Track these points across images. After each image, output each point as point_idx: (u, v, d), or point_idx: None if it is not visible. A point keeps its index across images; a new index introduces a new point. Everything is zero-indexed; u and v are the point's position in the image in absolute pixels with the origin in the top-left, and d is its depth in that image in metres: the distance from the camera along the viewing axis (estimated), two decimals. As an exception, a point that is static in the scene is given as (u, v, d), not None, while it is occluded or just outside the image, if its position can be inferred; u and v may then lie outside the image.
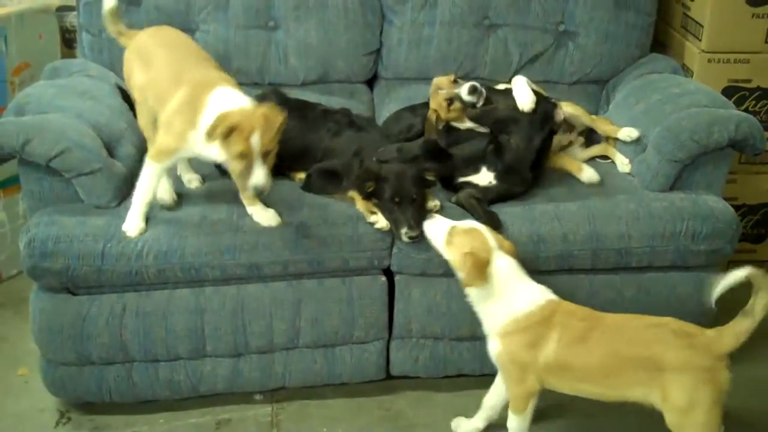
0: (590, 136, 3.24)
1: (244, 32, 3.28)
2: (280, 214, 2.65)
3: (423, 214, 2.63)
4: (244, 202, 2.65)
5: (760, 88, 3.32)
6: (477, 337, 2.62)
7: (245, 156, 2.35)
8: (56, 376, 2.72)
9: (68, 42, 3.72)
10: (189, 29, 3.17)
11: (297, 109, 2.92)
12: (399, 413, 2.84)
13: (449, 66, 3.40)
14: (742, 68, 3.29)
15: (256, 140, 2.33)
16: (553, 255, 2.73)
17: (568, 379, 2.39)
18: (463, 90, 2.84)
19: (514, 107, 2.77)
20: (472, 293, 2.44)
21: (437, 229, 2.50)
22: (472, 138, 2.92)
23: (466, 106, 2.84)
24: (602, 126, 3.17)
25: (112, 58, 3.14)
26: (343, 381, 2.87)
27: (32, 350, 2.76)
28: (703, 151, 2.80)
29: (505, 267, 2.40)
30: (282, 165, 2.84)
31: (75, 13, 3.32)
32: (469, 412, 2.67)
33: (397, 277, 2.77)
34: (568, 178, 3.01)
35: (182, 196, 2.76)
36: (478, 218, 2.66)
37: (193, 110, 2.45)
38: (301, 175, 2.86)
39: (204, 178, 2.88)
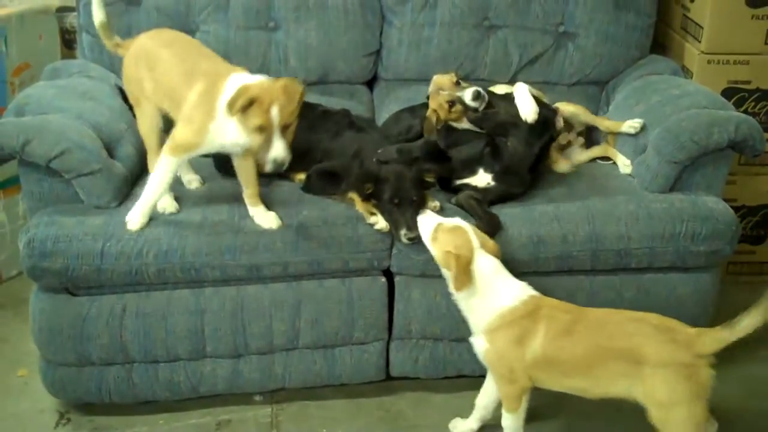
0: (590, 136, 3.24)
1: (244, 33, 3.28)
2: (280, 216, 2.65)
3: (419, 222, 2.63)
4: (247, 202, 2.66)
5: (760, 89, 3.32)
6: (477, 338, 2.63)
7: (264, 129, 2.35)
8: (56, 377, 2.72)
9: (68, 43, 3.73)
10: (189, 30, 3.17)
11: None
12: (399, 414, 2.84)
13: (449, 67, 3.39)
14: (741, 69, 3.28)
15: (275, 113, 2.33)
16: (553, 256, 2.73)
17: (555, 374, 2.40)
18: (467, 95, 2.83)
19: (515, 113, 2.77)
20: (459, 293, 2.45)
21: (425, 224, 2.52)
22: (469, 140, 2.92)
23: (467, 109, 2.84)
24: (604, 122, 3.17)
25: (112, 59, 3.14)
26: (343, 382, 2.87)
27: (32, 351, 2.77)
28: (703, 153, 2.80)
29: (487, 265, 2.42)
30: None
31: (75, 13, 3.32)
32: (469, 413, 2.67)
33: (396, 278, 2.77)
34: (567, 178, 3.01)
35: (183, 196, 2.76)
36: (478, 219, 2.66)
37: (211, 100, 2.45)
38: (301, 176, 2.86)
39: (204, 179, 2.89)
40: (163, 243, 2.58)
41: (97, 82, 3.06)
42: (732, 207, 2.84)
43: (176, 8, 3.23)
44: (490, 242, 2.49)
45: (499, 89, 3.12)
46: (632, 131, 3.03)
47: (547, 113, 2.82)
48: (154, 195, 2.59)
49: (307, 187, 2.81)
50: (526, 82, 2.95)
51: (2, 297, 3.39)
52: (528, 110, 2.76)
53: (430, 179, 2.72)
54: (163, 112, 2.70)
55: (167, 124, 2.77)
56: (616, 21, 3.39)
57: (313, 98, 3.11)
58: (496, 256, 2.46)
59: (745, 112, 3.22)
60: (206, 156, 2.79)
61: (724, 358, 2.92)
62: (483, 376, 2.63)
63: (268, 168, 2.39)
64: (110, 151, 2.76)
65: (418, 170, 2.69)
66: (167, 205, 2.68)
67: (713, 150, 2.80)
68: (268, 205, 2.68)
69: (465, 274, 2.38)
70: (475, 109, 2.83)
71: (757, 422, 2.82)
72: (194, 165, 2.87)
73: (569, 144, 3.15)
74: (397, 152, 2.75)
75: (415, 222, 2.59)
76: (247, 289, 2.69)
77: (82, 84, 3.00)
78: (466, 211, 2.74)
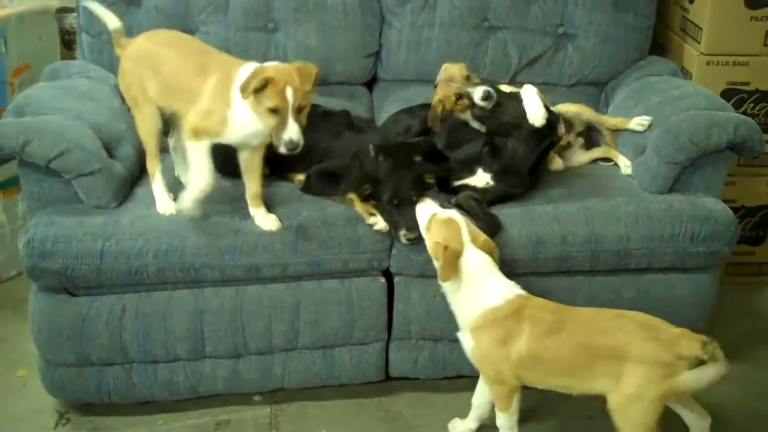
0: (590, 137, 3.24)
1: (243, 34, 3.28)
2: (280, 217, 2.66)
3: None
4: (249, 203, 2.66)
5: (759, 90, 3.32)
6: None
7: (279, 110, 2.35)
8: (55, 377, 2.72)
9: (68, 43, 3.73)
10: (189, 31, 3.18)
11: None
12: (398, 414, 2.84)
13: (448, 68, 3.41)
14: (740, 71, 3.29)
15: (290, 94, 2.34)
16: (552, 256, 2.73)
17: (541, 373, 2.41)
18: (477, 93, 2.83)
19: (520, 114, 2.77)
20: (445, 285, 2.46)
21: (422, 213, 2.54)
22: (468, 140, 2.93)
23: (474, 106, 2.85)
24: (611, 120, 3.17)
25: (112, 60, 3.13)
26: (342, 382, 2.87)
27: (31, 351, 2.77)
28: (702, 154, 2.80)
29: (475, 261, 2.43)
30: (281, 166, 2.86)
31: (75, 14, 3.32)
32: (468, 413, 2.67)
33: (396, 279, 2.78)
34: (566, 179, 3.01)
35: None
36: (477, 220, 2.66)
37: (226, 89, 2.46)
38: (301, 177, 2.86)
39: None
40: (163, 243, 2.59)
41: (96, 83, 3.06)
42: (731, 208, 2.85)
43: (176, 9, 3.23)
44: (483, 238, 2.49)
45: (503, 89, 3.12)
46: (640, 129, 3.02)
47: (551, 117, 2.82)
48: (203, 185, 2.53)
49: (306, 188, 2.82)
50: (526, 83, 2.95)
51: (2, 297, 3.39)
52: (536, 114, 2.76)
53: (429, 180, 2.72)
54: (165, 114, 2.70)
55: (166, 127, 2.78)
56: (616, 22, 3.40)
57: (312, 99, 3.10)
58: (489, 252, 2.47)
59: (744, 113, 3.23)
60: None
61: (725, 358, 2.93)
62: (481, 376, 2.63)
63: (282, 149, 2.38)
64: (110, 152, 2.76)
65: (418, 171, 2.69)
66: (168, 207, 2.68)
67: (712, 151, 2.80)
68: (268, 206, 2.68)
69: (451, 266, 2.39)
70: (482, 108, 2.84)
71: (754, 423, 2.83)
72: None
73: (569, 145, 3.15)
74: (398, 144, 2.75)
75: (415, 222, 2.59)
76: (247, 289, 2.69)
77: (82, 85, 3.00)
78: (466, 211, 2.74)
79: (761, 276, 3.60)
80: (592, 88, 3.50)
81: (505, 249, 2.67)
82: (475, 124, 3.00)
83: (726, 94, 3.28)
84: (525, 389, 2.48)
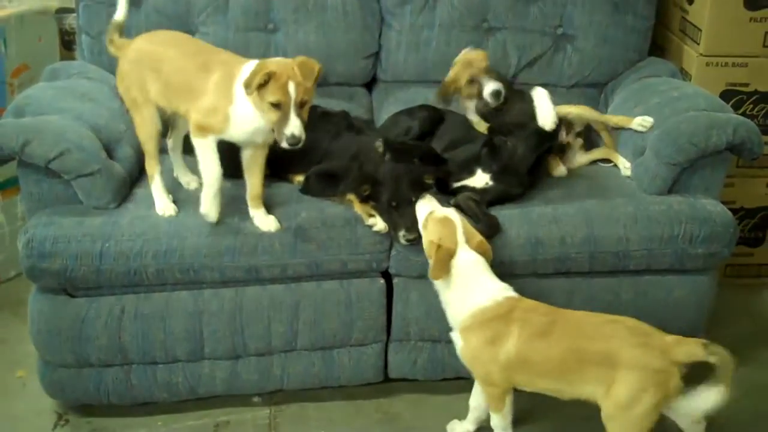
0: (589, 138, 3.24)
1: (243, 34, 3.28)
2: (279, 218, 2.66)
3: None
4: (249, 204, 2.66)
5: (758, 91, 3.33)
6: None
7: (281, 105, 2.36)
8: (54, 378, 2.72)
9: (67, 44, 3.73)
10: (188, 31, 3.17)
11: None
12: (397, 416, 2.84)
13: (448, 69, 3.37)
14: (740, 72, 3.29)
15: (292, 89, 2.35)
16: (551, 257, 2.73)
17: (530, 376, 2.41)
18: (488, 88, 2.88)
19: (524, 114, 2.78)
20: (437, 283, 2.47)
21: (422, 210, 2.55)
22: (466, 141, 2.93)
23: (480, 97, 2.86)
24: (613, 119, 3.16)
25: (111, 61, 3.12)
26: (341, 383, 2.87)
27: (30, 352, 2.77)
28: (702, 155, 2.80)
29: (467, 261, 2.43)
30: (280, 167, 2.86)
31: (74, 15, 3.31)
32: (467, 415, 2.67)
33: (395, 280, 2.78)
34: (565, 180, 3.01)
35: (182, 197, 2.76)
36: (476, 221, 2.66)
37: (228, 86, 2.46)
38: (300, 178, 2.87)
39: (203, 181, 2.89)
40: (162, 244, 2.59)
41: (96, 84, 3.06)
42: (730, 209, 2.85)
43: (176, 10, 3.23)
44: (478, 239, 2.49)
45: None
46: (642, 129, 3.01)
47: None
48: (212, 182, 2.54)
49: (305, 189, 2.82)
50: (525, 84, 2.95)
51: (1, 298, 3.39)
52: (548, 118, 2.76)
53: (428, 181, 2.72)
54: (165, 115, 2.70)
55: (164, 128, 2.78)
56: (615, 23, 3.40)
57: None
58: (484, 253, 2.47)
59: (744, 114, 3.23)
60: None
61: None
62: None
63: (284, 144, 2.39)
64: (109, 152, 2.76)
65: (417, 172, 2.69)
66: (167, 208, 2.68)
67: (711, 152, 2.80)
68: (267, 207, 2.68)
69: (442, 264, 2.39)
70: (486, 104, 2.84)
71: (754, 426, 2.83)
72: (192, 166, 2.86)
73: (568, 146, 3.15)
74: (403, 143, 2.76)
75: (414, 223, 2.59)
76: (246, 290, 2.69)
77: (82, 85, 3.00)
78: (465, 212, 2.74)
79: (760, 277, 3.60)
80: (591, 89, 3.50)
81: (503, 250, 2.67)
82: (473, 117, 3.01)
83: (725, 96, 3.28)
84: (520, 391, 2.48)
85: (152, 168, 2.70)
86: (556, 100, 3.12)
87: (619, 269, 2.80)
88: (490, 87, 2.86)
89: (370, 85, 3.54)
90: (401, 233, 2.61)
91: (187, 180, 2.86)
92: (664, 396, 2.27)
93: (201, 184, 2.83)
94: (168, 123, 2.77)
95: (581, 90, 3.48)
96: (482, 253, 2.47)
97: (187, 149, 2.74)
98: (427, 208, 2.55)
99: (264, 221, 2.64)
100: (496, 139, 2.83)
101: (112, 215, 2.65)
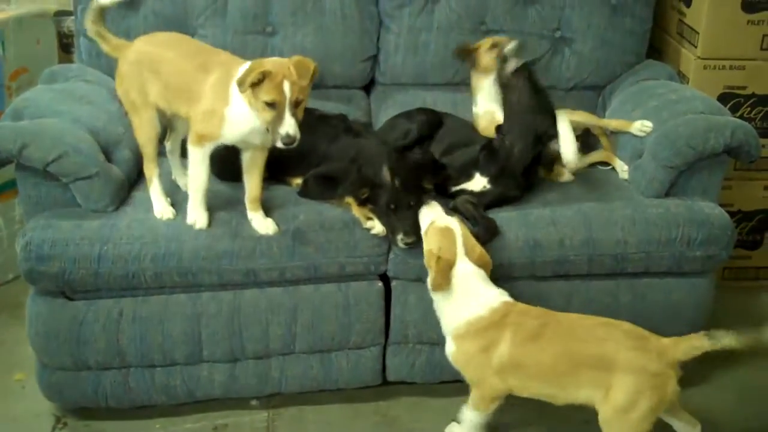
0: (587, 141, 3.24)
1: (241, 37, 3.28)
2: (277, 221, 2.66)
3: (419, 220, 2.64)
4: (248, 206, 2.66)
5: (756, 94, 3.33)
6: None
7: (276, 104, 2.36)
8: (53, 381, 2.72)
9: (65, 47, 3.73)
10: (187, 34, 3.16)
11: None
12: (395, 419, 2.84)
13: (446, 71, 3.41)
14: (737, 75, 3.30)
15: (287, 88, 2.34)
16: (550, 260, 2.74)
17: (522, 379, 2.41)
18: (511, 64, 2.82)
19: (535, 109, 2.78)
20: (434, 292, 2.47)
21: (425, 218, 2.55)
22: (464, 144, 2.93)
23: (503, 62, 2.84)
24: (613, 123, 3.16)
25: (110, 64, 3.13)
26: (340, 386, 2.87)
27: (29, 355, 2.76)
28: (699, 158, 2.81)
29: (465, 273, 2.42)
30: (279, 170, 2.86)
31: (72, 18, 3.32)
32: (465, 418, 2.67)
33: (393, 283, 2.78)
34: (563, 183, 3.02)
35: (181, 201, 2.75)
36: (474, 224, 2.67)
37: (224, 87, 2.47)
38: (298, 181, 2.87)
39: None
40: (161, 247, 2.58)
41: (94, 86, 3.06)
42: (728, 212, 2.85)
43: (174, 12, 3.23)
44: (479, 251, 2.48)
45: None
46: (641, 134, 3.01)
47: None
48: (198, 188, 2.59)
49: (303, 192, 2.82)
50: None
51: (-1, 301, 3.40)
52: (569, 154, 2.74)
53: (427, 186, 2.72)
54: (164, 117, 2.70)
55: (162, 131, 2.78)
56: (613, 26, 3.40)
57: (310, 103, 3.10)
58: (484, 266, 2.47)
59: (741, 117, 3.22)
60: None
61: (718, 364, 2.95)
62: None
63: (279, 143, 2.39)
64: (108, 155, 2.76)
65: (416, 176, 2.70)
66: (165, 211, 2.68)
67: (709, 155, 2.80)
68: (265, 210, 2.68)
69: (443, 275, 2.39)
70: (504, 75, 2.83)
71: (750, 428, 2.83)
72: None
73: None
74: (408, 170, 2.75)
75: (412, 226, 2.59)
76: (244, 293, 2.69)
77: (80, 88, 3.00)
78: (464, 216, 2.75)
79: (758, 280, 3.61)
80: (589, 91, 3.50)
81: (502, 253, 2.67)
82: (482, 104, 3.08)
83: (723, 98, 3.28)
84: (517, 397, 2.48)
85: (151, 171, 2.70)
86: (555, 104, 3.13)
87: (618, 272, 2.80)
88: (513, 64, 2.82)
89: (368, 87, 3.54)
90: (399, 237, 2.61)
91: (184, 183, 2.86)
92: (662, 399, 2.28)
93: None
94: (166, 126, 2.77)
95: (579, 93, 3.48)
96: (482, 266, 2.46)
97: (185, 152, 2.73)
98: (430, 216, 2.54)
99: (262, 224, 2.64)
100: (495, 140, 2.83)
101: (111, 218, 2.65)
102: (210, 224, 2.63)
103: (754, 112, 3.35)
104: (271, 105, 2.37)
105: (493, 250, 2.60)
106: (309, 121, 2.91)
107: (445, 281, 2.40)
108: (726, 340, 2.25)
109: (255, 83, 2.35)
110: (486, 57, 3.04)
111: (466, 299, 2.42)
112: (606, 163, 3.16)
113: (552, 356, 2.34)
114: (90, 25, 2.73)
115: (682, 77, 3.38)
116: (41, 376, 2.73)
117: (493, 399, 2.46)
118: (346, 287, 2.74)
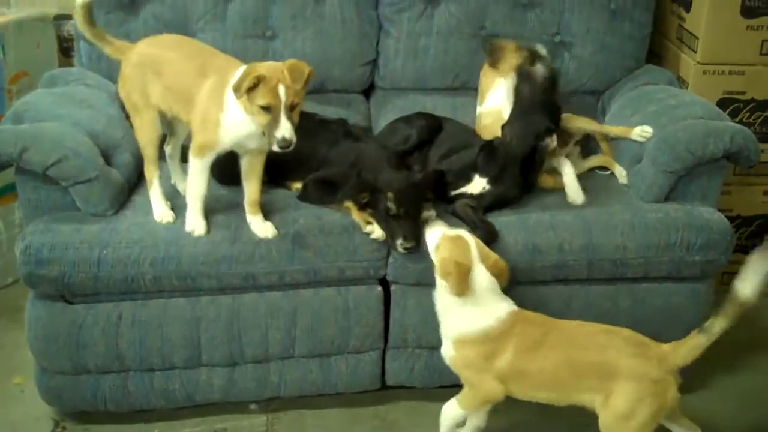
0: (586, 146, 3.25)
1: (241, 41, 3.28)
2: (276, 225, 2.66)
3: (419, 224, 2.64)
4: (247, 210, 2.66)
5: (755, 99, 3.33)
6: (472, 347, 2.63)
7: (271, 108, 2.36)
8: (51, 385, 2.72)
9: (66, 51, 3.73)
10: (187, 38, 3.18)
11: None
12: (394, 423, 2.84)
13: (446, 76, 3.42)
14: (737, 80, 3.30)
15: (282, 92, 2.35)
16: (549, 265, 2.74)
17: (524, 386, 2.41)
18: (539, 69, 2.90)
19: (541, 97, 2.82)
20: (442, 296, 2.45)
21: (432, 235, 2.52)
22: (462, 148, 2.94)
23: (531, 60, 2.93)
24: (613, 129, 3.17)
25: (110, 67, 3.14)
26: (339, 391, 2.87)
27: (28, 359, 2.76)
28: (698, 163, 2.81)
29: (481, 280, 2.40)
30: (278, 175, 2.86)
31: (72, 22, 3.31)
32: (464, 422, 2.66)
33: (392, 287, 2.78)
34: (562, 188, 3.02)
35: (180, 205, 2.75)
36: (473, 228, 2.67)
37: (220, 93, 2.47)
38: (298, 185, 2.87)
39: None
40: (160, 251, 2.58)
41: (94, 90, 3.06)
42: (727, 217, 2.85)
43: (174, 16, 3.24)
44: (494, 258, 2.46)
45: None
46: (641, 140, 3.00)
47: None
48: (197, 197, 2.61)
49: (303, 196, 2.82)
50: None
51: (-2, 304, 3.40)
52: (578, 195, 2.87)
53: (428, 195, 2.73)
54: (167, 120, 2.71)
55: (164, 136, 2.78)
56: (612, 31, 3.41)
57: (309, 107, 3.12)
58: (498, 274, 2.44)
59: (740, 122, 3.23)
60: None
61: (718, 368, 2.95)
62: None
63: (275, 147, 2.39)
64: (107, 159, 2.76)
65: (415, 179, 2.70)
66: (165, 215, 2.68)
67: (708, 160, 2.80)
68: (265, 213, 2.68)
69: (463, 279, 2.37)
70: (524, 71, 2.89)
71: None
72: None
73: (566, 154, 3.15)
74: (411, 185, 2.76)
75: (412, 231, 2.59)
76: (243, 297, 2.69)
77: (80, 92, 3.01)
78: (462, 220, 2.75)
79: (757, 285, 3.61)
80: (588, 96, 3.50)
81: (501, 257, 2.67)
82: (498, 86, 3.12)
83: (722, 104, 3.28)
84: (516, 400, 2.48)
85: (151, 173, 2.70)
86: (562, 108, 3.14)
87: (617, 276, 2.80)
88: (540, 69, 2.89)
89: (367, 92, 3.55)
90: (399, 241, 2.61)
91: (184, 188, 2.85)
92: (662, 406, 2.28)
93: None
94: (167, 130, 2.77)
95: (578, 98, 3.48)
96: (497, 274, 2.44)
97: (186, 157, 2.74)
98: (438, 231, 2.52)
99: (261, 228, 2.65)
100: (496, 140, 2.83)
101: (110, 222, 2.65)
102: (209, 229, 2.63)
103: (753, 117, 3.35)
104: (266, 109, 2.37)
105: (492, 254, 2.61)
106: (309, 125, 2.93)
107: (466, 286, 2.37)
108: (717, 325, 2.26)
109: (250, 88, 2.35)
110: (512, 58, 3.04)
111: (477, 308, 2.40)
112: (605, 168, 3.16)
113: (554, 364, 2.35)
114: (85, 28, 2.70)
115: (681, 82, 3.38)
116: (40, 379, 2.73)
117: (484, 402, 2.46)
118: (346, 291, 2.74)
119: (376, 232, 2.68)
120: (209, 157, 2.57)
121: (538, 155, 2.87)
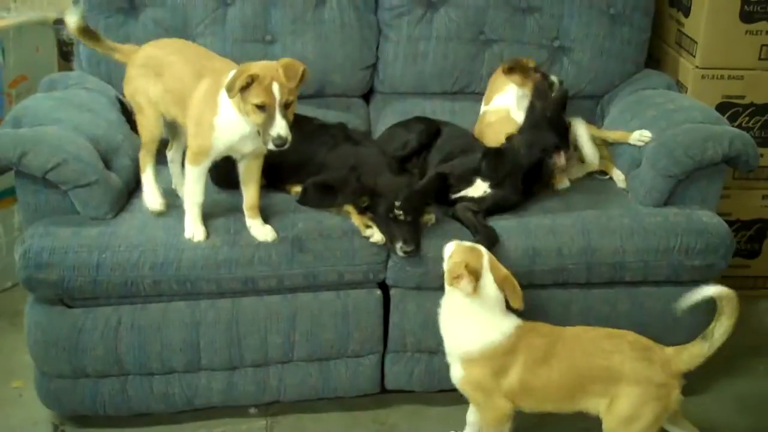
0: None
1: (241, 46, 3.29)
2: (276, 229, 2.66)
3: (418, 228, 2.64)
4: (246, 214, 2.66)
5: (754, 104, 3.34)
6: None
7: (266, 107, 2.36)
8: (51, 389, 2.71)
9: (65, 55, 3.73)
10: (186, 43, 3.19)
11: (293, 123, 2.93)
12: (393, 427, 2.84)
13: (445, 80, 3.42)
14: (736, 84, 3.30)
15: (276, 90, 2.34)
16: (548, 269, 2.74)
17: (532, 399, 2.41)
18: (556, 89, 3.02)
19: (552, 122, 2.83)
20: (449, 308, 2.44)
21: (449, 246, 2.49)
22: (462, 152, 2.94)
23: (547, 83, 3.02)
24: (612, 135, 3.17)
25: (109, 71, 3.15)
26: (338, 395, 2.87)
27: (27, 362, 2.76)
28: (697, 167, 2.81)
29: (488, 292, 2.39)
30: (278, 178, 2.87)
31: (73, 25, 3.33)
32: (464, 426, 2.66)
33: (392, 291, 2.78)
34: (562, 191, 3.02)
35: (179, 209, 2.75)
36: (474, 232, 2.67)
37: (213, 96, 2.47)
38: (297, 189, 2.87)
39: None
40: (159, 255, 2.58)
41: (94, 94, 3.06)
42: (726, 221, 2.85)
43: (173, 21, 3.24)
44: (504, 273, 2.44)
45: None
46: (640, 144, 3.01)
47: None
48: (195, 204, 2.61)
49: (303, 200, 2.82)
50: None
51: (-3, 308, 3.39)
52: (592, 156, 3.06)
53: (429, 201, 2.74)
54: (168, 124, 2.71)
55: (165, 141, 2.79)
56: (611, 35, 3.41)
57: (309, 111, 3.13)
58: (506, 288, 2.42)
59: (739, 126, 3.23)
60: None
61: (716, 372, 2.95)
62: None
63: (270, 146, 2.39)
64: (107, 163, 2.76)
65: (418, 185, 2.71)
66: (155, 202, 2.69)
67: (707, 164, 2.81)
68: (264, 217, 2.68)
69: (474, 279, 2.34)
70: (539, 91, 2.91)
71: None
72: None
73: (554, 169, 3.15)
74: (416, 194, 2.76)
75: (411, 235, 2.60)
76: (243, 301, 2.69)
77: (79, 96, 3.01)
78: (463, 223, 2.75)
79: (756, 289, 3.61)
80: (587, 101, 3.51)
81: (501, 261, 2.66)
82: (508, 91, 3.13)
83: (721, 108, 3.29)
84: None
85: (146, 160, 2.70)
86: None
87: (616, 280, 2.80)
88: (559, 89, 3.02)
89: (367, 96, 3.55)
90: (398, 245, 2.61)
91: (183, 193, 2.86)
92: (665, 409, 2.29)
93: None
94: (169, 134, 2.78)
95: (578, 102, 3.47)
96: (507, 289, 2.41)
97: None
98: (452, 244, 2.49)
99: (260, 231, 2.65)
100: (502, 146, 2.84)
101: (109, 226, 2.65)
102: (208, 235, 2.63)
103: (752, 122, 3.36)
104: (261, 108, 2.37)
105: (491, 257, 2.61)
106: (308, 129, 2.94)
107: (477, 285, 2.35)
108: (718, 329, 2.27)
109: (243, 87, 2.35)
110: (526, 74, 3.07)
111: (482, 321, 2.39)
112: (604, 172, 3.16)
113: (561, 374, 2.35)
114: (92, 45, 2.75)
115: (680, 87, 3.39)
116: (39, 383, 2.72)
117: (501, 420, 2.43)
118: (345, 295, 2.73)
119: (376, 235, 2.68)
120: (205, 164, 2.57)
121: (544, 169, 2.88)
